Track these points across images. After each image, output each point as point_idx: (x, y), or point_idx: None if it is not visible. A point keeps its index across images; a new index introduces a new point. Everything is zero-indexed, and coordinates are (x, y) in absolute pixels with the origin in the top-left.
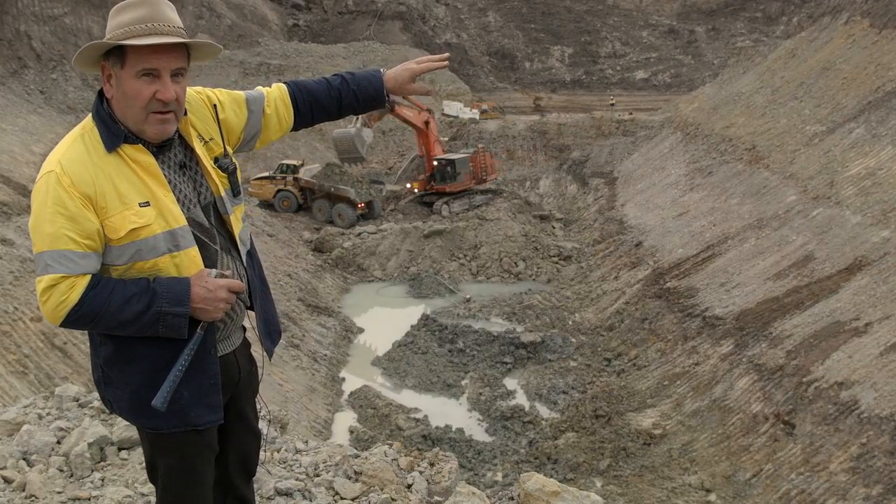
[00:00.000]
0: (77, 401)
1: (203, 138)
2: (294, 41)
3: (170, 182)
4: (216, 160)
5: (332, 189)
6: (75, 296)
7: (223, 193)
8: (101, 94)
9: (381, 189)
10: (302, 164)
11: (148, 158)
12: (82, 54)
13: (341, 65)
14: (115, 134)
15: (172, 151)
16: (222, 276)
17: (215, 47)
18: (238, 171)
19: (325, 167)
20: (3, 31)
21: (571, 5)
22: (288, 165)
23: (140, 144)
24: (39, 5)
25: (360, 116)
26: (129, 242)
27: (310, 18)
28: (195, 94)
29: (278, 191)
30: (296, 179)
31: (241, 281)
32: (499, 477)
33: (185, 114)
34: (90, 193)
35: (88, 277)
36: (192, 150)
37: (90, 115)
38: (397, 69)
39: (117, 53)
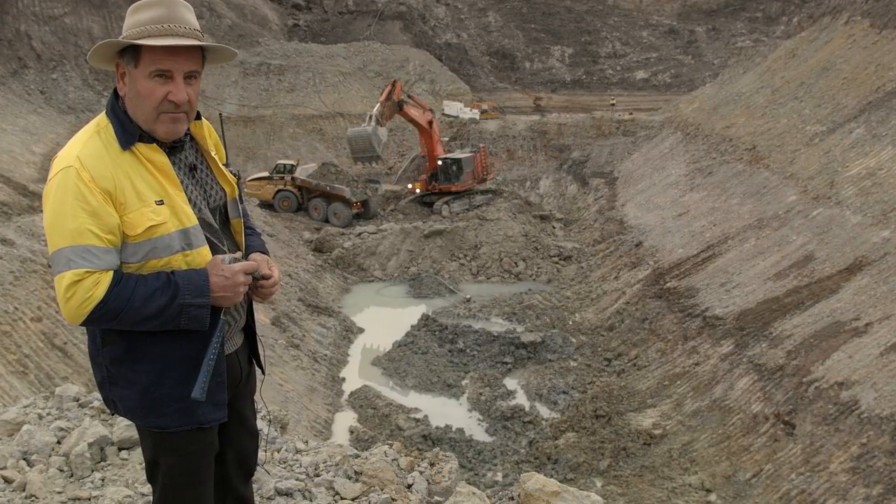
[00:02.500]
0: (77, 401)
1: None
2: (294, 41)
3: (181, 182)
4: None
5: (328, 188)
6: (100, 292)
7: (235, 197)
8: (115, 92)
9: (376, 188)
10: (297, 164)
11: (162, 158)
12: (97, 51)
13: (341, 65)
14: (130, 132)
15: (183, 153)
16: (235, 260)
17: (230, 51)
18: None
19: (320, 166)
20: (3, 31)
21: (571, 5)
22: (284, 165)
23: (154, 144)
24: (39, 5)
25: (373, 115)
26: (145, 240)
27: (310, 18)
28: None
29: (278, 191)
30: (292, 179)
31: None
32: (499, 477)
33: (199, 118)
34: (110, 189)
35: (112, 273)
36: (204, 153)
37: (104, 112)
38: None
39: (132, 52)
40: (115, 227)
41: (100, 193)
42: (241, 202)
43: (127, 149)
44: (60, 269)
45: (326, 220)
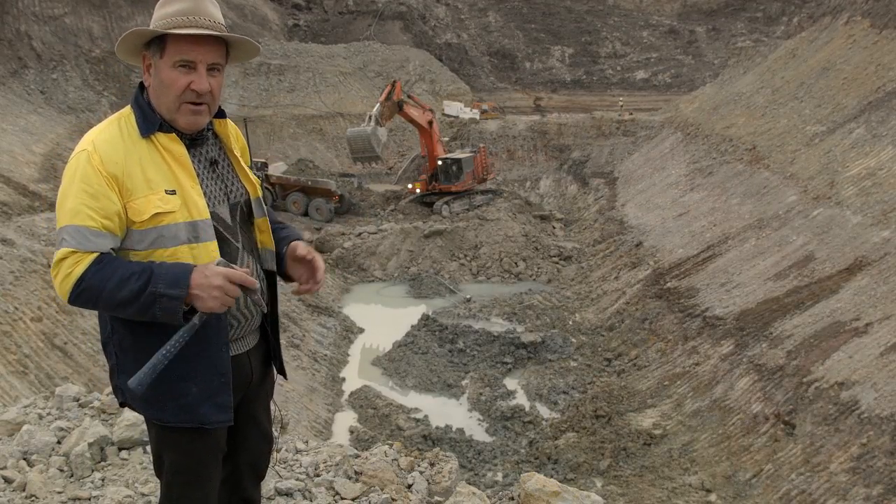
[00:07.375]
0: (77, 401)
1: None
2: (294, 41)
3: (198, 175)
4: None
5: (310, 183)
6: (79, 270)
7: (259, 196)
8: (141, 84)
9: (353, 182)
10: (267, 161)
11: (180, 148)
12: (125, 41)
13: (341, 65)
14: (150, 121)
15: (205, 147)
16: (226, 265)
17: (253, 46)
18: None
19: (297, 162)
20: (3, 31)
21: (572, 5)
22: (256, 163)
23: (174, 134)
24: (39, 5)
25: (373, 115)
26: (151, 227)
27: (310, 18)
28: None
29: None
30: (266, 177)
31: (257, 279)
32: (499, 477)
33: (224, 115)
34: (117, 174)
35: (95, 254)
36: (226, 150)
37: (130, 104)
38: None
39: (158, 43)
40: (114, 213)
41: (105, 178)
42: (265, 202)
43: (146, 136)
44: (56, 245)
45: (306, 214)
